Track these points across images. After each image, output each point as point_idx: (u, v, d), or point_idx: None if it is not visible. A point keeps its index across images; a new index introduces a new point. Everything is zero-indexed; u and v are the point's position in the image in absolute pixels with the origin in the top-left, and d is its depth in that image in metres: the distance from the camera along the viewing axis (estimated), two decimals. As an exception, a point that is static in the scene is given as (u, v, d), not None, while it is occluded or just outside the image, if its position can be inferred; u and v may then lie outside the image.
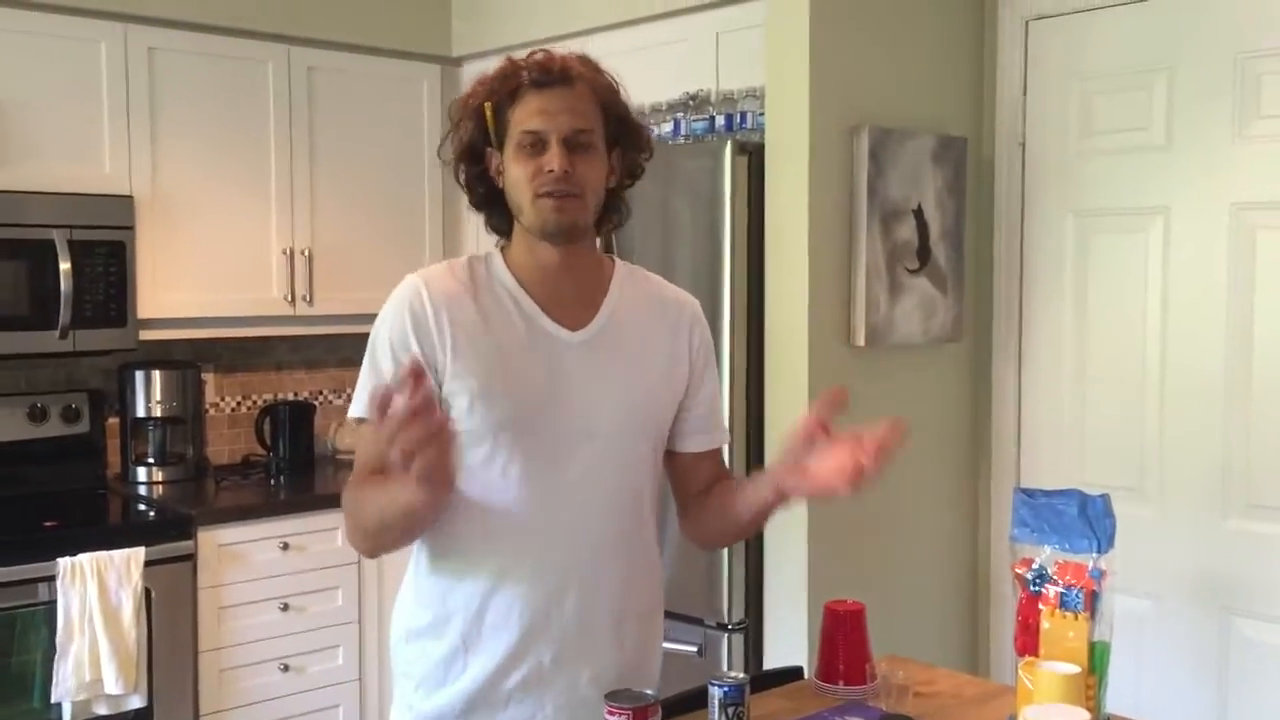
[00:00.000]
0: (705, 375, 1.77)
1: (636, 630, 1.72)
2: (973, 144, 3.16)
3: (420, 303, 1.62)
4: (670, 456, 1.77)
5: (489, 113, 1.62)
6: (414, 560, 1.72)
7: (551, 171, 1.58)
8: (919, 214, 2.99)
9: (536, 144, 1.59)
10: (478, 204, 1.71)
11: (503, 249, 1.71)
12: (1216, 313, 2.81)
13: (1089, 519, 1.70)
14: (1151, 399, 2.92)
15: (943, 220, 3.05)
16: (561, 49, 1.68)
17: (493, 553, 1.64)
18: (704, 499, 1.79)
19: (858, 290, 2.87)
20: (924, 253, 3.01)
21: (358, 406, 1.64)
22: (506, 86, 1.62)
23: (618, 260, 1.77)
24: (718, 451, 1.81)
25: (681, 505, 1.82)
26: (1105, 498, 1.71)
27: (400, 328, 1.62)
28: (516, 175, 1.61)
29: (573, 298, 1.68)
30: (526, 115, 1.60)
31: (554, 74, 1.61)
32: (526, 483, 1.62)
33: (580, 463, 1.64)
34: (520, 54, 1.65)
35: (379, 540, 1.62)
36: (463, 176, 1.69)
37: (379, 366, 1.63)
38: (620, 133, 1.68)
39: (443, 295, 1.63)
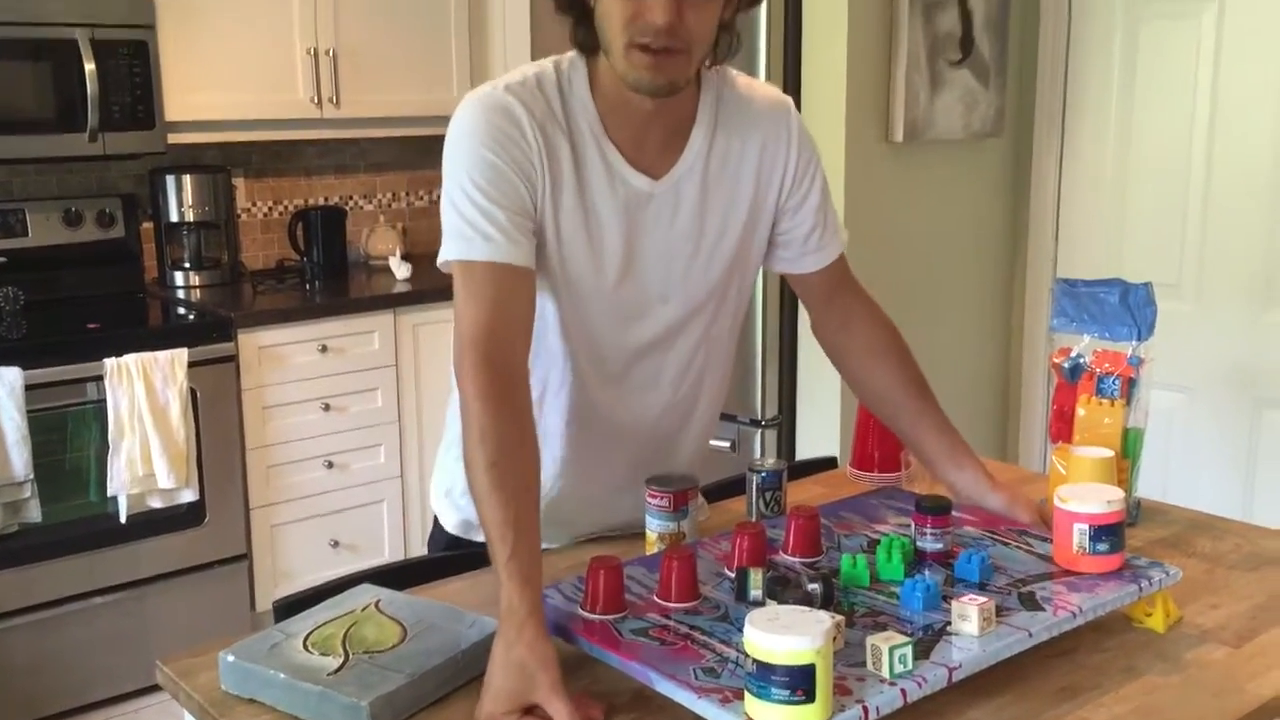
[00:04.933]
0: (809, 191, 1.55)
1: (690, 459, 1.65)
2: (1021, -74, 3.03)
3: (518, 127, 1.38)
4: (788, 273, 1.63)
5: None
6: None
7: (652, 22, 1.30)
8: (963, 2, 2.88)
9: None
10: (563, 7, 1.41)
11: (589, 56, 1.43)
12: (1268, 106, 2.72)
13: (1130, 307, 1.69)
14: (1195, 194, 2.87)
15: (987, 9, 2.94)
16: None
17: (555, 410, 1.52)
18: (854, 348, 1.66)
19: (897, 83, 2.79)
20: (967, 43, 2.91)
21: (453, 248, 1.36)
22: None
23: (703, 70, 1.48)
24: (836, 261, 1.62)
25: (811, 313, 1.68)
26: (1147, 286, 1.70)
27: (495, 157, 1.36)
28: (609, 9, 1.33)
29: (658, 141, 1.45)
30: None
31: None
32: (600, 345, 1.50)
33: (655, 322, 1.50)
34: None
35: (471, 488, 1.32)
36: None
37: (476, 202, 1.35)
38: None
39: (540, 122, 1.39)
